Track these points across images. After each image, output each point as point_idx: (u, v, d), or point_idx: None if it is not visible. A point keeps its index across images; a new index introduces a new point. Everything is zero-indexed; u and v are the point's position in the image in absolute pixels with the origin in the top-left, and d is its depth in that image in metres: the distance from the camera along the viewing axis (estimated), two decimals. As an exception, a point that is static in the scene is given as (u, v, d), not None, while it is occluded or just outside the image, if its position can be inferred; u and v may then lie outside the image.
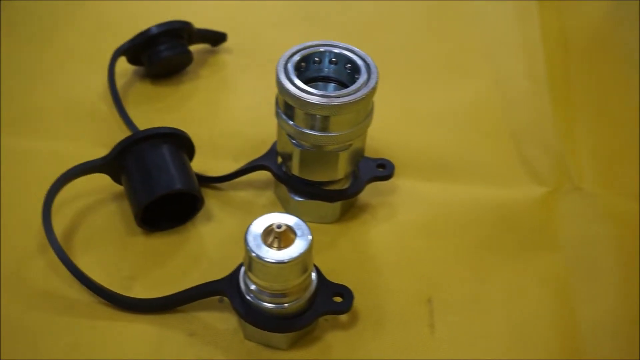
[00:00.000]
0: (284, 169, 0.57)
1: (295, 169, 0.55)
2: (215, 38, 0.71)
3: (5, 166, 0.60)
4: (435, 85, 0.70)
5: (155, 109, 0.66)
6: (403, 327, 0.52)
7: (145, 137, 0.55)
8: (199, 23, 0.69)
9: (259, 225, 0.47)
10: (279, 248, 0.46)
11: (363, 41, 0.72)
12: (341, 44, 0.53)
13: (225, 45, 0.72)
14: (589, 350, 0.51)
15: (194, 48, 0.69)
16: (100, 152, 0.60)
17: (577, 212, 0.59)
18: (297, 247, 0.46)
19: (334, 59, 0.53)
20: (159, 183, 0.54)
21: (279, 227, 0.46)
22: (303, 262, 0.46)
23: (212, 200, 0.59)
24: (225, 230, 0.57)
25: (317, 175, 0.55)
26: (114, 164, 0.55)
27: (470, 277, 0.55)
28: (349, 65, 0.53)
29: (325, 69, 0.54)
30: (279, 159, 0.58)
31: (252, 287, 0.48)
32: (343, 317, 0.52)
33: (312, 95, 0.50)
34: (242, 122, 0.66)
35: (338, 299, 0.50)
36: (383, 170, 0.58)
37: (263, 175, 0.59)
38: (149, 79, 0.68)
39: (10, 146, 0.61)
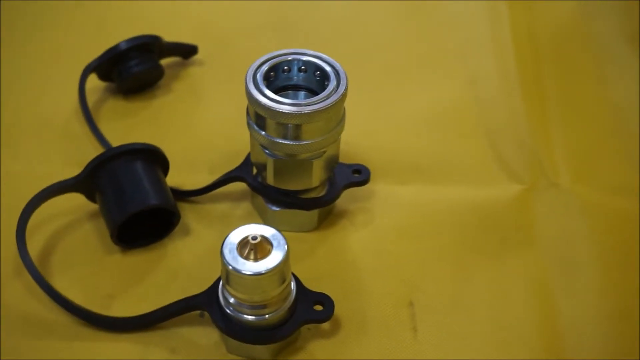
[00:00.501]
0: (259, 179, 0.57)
1: (270, 179, 0.54)
2: (186, 51, 0.70)
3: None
4: (408, 87, 0.70)
5: (128, 125, 0.66)
6: (386, 332, 0.51)
7: (117, 154, 0.54)
8: (169, 36, 0.69)
9: (234, 238, 0.46)
10: (256, 259, 0.46)
11: (335, 45, 0.73)
12: (309, 52, 0.53)
13: (196, 57, 0.71)
14: (571, 347, 0.51)
15: (165, 62, 0.69)
16: (73, 171, 0.59)
17: (554, 208, 0.59)
18: (273, 258, 0.45)
19: (302, 67, 0.53)
20: (133, 200, 0.53)
21: (254, 238, 0.46)
22: (280, 272, 0.46)
23: (189, 214, 0.58)
24: (203, 244, 0.57)
25: (292, 184, 0.55)
26: (87, 182, 0.55)
27: (451, 279, 0.55)
28: (318, 72, 0.53)
29: (295, 77, 0.54)
30: (254, 170, 0.58)
31: (231, 300, 0.48)
32: (325, 325, 0.51)
33: (282, 104, 0.50)
34: (215, 134, 0.65)
35: (319, 308, 0.50)
36: (359, 175, 0.58)
37: (239, 186, 0.59)
38: (120, 94, 0.68)
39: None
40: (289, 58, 0.53)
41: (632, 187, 0.61)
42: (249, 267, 0.45)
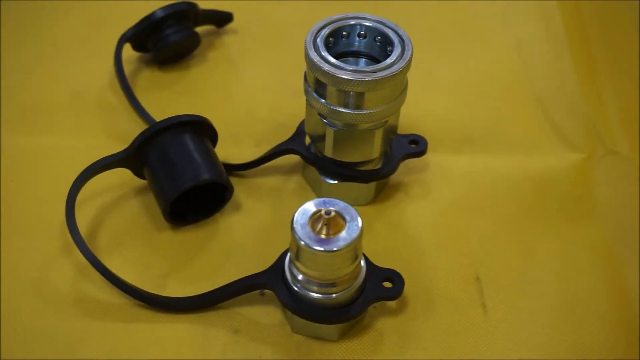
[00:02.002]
0: (312, 150, 0.55)
1: (328, 150, 0.52)
2: (221, 18, 0.67)
3: (16, 166, 0.56)
4: (453, 55, 0.68)
5: (165, 96, 0.63)
6: (455, 309, 0.50)
7: (166, 126, 0.51)
8: (202, 3, 0.66)
9: (305, 212, 0.44)
10: (328, 235, 0.43)
11: (374, 13, 0.70)
12: (371, 16, 0.50)
13: (230, 25, 0.69)
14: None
15: (198, 30, 0.66)
16: (113, 144, 0.57)
17: (614, 176, 0.57)
18: (348, 234, 0.43)
19: (362, 32, 0.51)
20: (185, 175, 0.51)
21: (327, 213, 0.43)
22: (354, 249, 0.44)
23: (238, 188, 0.56)
24: (256, 220, 0.54)
25: (351, 156, 0.52)
26: (136, 157, 0.52)
27: (514, 252, 0.53)
28: (379, 38, 0.50)
29: (355, 43, 0.51)
30: (307, 141, 0.55)
31: (300, 277, 0.46)
32: (392, 303, 0.49)
33: (346, 71, 0.47)
34: (258, 105, 0.63)
35: (388, 284, 0.48)
36: (416, 146, 0.56)
37: (289, 159, 0.57)
38: (155, 65, 0.65)
39: (18, 145, 0.58)
40: (351, 22, 0.50)
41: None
42: (323, 243, 0.43)
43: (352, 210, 0.44)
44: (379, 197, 0.56)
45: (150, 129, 0.51)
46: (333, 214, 0.43)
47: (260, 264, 0.49)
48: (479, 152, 0.59)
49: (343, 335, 0.48)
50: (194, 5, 0.63)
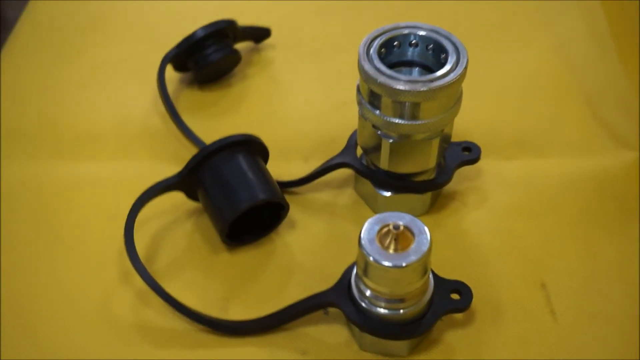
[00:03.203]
0: (365, 162, 0.54)
1: (383, 163, 0.51)
2: (259, 34, 0.67)
3: (70, 194, 0.56)
4: (495, 58, 0.67)
5: (209, 115, 0.62)
6: (524, 318, 0.49)
7: (219, 147, 0.51)
8: (239, 20, 0.65)
9: (372, 227, 0.43)
10: (397, 250, 0.43)
11: (411, 18, 0.69)
12: (424, 25, 0.50)
13: (268, 41, 0.68)
14: None
15: (237, 47, 0.65)
16: (162, 168, 0.57)
17: (675, 173, 0.56)
18: (417, 247, 0.42)
19: (414, 41, 0.50)
20: (242, 195, 0.50)
21: (396, 227, 0.43)
22: (424, 263, 0.43)
23: (291, 205, 0.54)
24: (312, 236, 0.54)
25: (407, 167, 0.51)
26: (190, 180, 0.51)
27: (578, 256, 0.52)
28: (432, 46, 0.50)
29: (408, 53, 0.50)
30: (358, 154, 0.54)
31: (368, 293, 0.45)
32: (459, 314, 0.48)
33: (401, 81, 0.46)
34: (303, 120, 0.62)
35: (456, 296, 0.47)
36: (469, 153, 0.55)
37: (340, 173, 0.56)
38: (196, 84, 0.64)
39: (69, 173, 0.57)
40: (405, 32, 0.49)
41: None
42: (393, 258, 0.42)
43: (419, 222, 0.43)
44: (434, 207, 0.55)
45: (203, 151, 0.51)
46: (402, 228, 0.43)
47: (321, 282, 0.49)
48: (532, 155, 0.58)
49: (412, 351, 0.47)
50: (233, 23, 0.63)
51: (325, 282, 0.48)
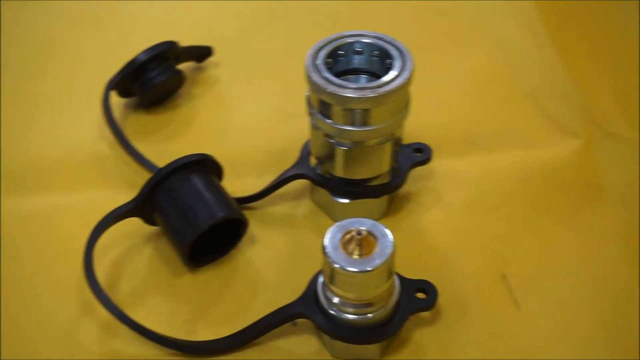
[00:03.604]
0: (320, 171, 0.54)
1: (339, 170, 0.52)
2: (201, 53, 0.67)
3: (24, 229, 0.55)
4: (438, 61, 0.68)
5: (158, 138, 0.62)
6: (488, 310, 0.49)
7: (173, 169, 0.51)
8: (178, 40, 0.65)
9: (335, 235, 0.44)
10: (362, 255, 0.43)
11: (349, 27, 0.70)
12: (368, 33, 0.50)
13: (210, 59, 0.68)
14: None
15: (180, 67, 0.65)
16: (117, 195, 0.56)
17: (618, 158, 0.58)
18: (381, 251, 0.43)
19: (359, 49, 0.51)
20: (200, 215, 0.50)
21: (359, 233, 0.43)
22: (389, 265, 0.43)
23: (250, 221, 0.55)
24: (274, 250, 0.54)
25: (362, 173, 0.52)
26: (146, 204, 0.51)
27: (536, 244, 0.53)
28: (377, 52, 0.50)
29: (354, 61, 0.51)
30: (312, 163, 0.55)
31: (336, 300, 0.45)
32: (426, 313, 0.49)
33: (350, 89, 0.47)
34: (253, 135, 0.62)
35: (421, 295, 0.48)
36: (420, 154, 0.55)
37: (295, 184, 0.56)
38: (142, 108, 0.64)
39: (20, 208, 0.56)
40: (349, 40, 0.50)
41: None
42: (359, 264, 0.42)
43: (380, 226, 0.44)
44: (390, 209, 0.56)
45: (157, 174, 0.50)
46: (364, 233, 0.43)
47: (288, 294, 0.49)
48: (482, 152, 0.60)
49: (384, 353, 0.47)
50: (174, 44, 0.62)
51: (291, 294, 0.49)
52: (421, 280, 0.48)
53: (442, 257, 0.53)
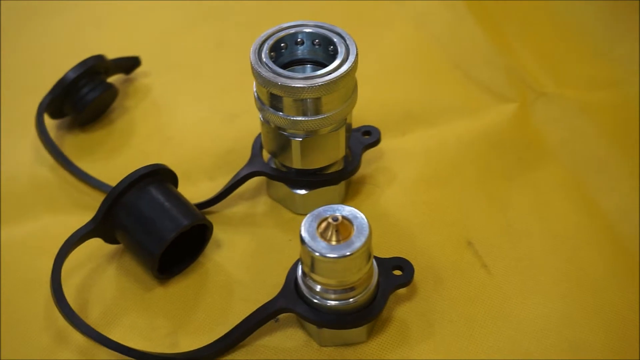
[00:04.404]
0: (273, 166, 0.54)
1: (296, 162, 0.52)
2: (129, 65, 0.65)
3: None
4: (364, 43, 0.65)
5: (100, 157, 0.60)
6: (461, 277, 0.51)
7: (129, 184, 0.49)
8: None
9: (310, 224, 0.44)
10: (340, 241, 0.43)
11: (273, 21, 0.70)
12: (308, 22, 0.51)
13: (138, 70, 0.66)
14: (629, 239, 0.52)
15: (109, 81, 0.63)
16: (68, 219, 0.55)
17: (553, 116, 0.61)
18: (359, 233, 0.43)
19: (299, 40, 0.51)
20: (165, 226, 0.49)
21: (335, 219, 0.43)
22: (368, 247, 0.44)
23: (212, 225, 0.54)
24: (241, 251, 0.53)
25: (319, 162, 0.52)
26: (106, 223, 0.50)
27: (493, 208, 0.55)
28: (317, 41, 0.51)
29: (298, 52, 0.51)
30: (266, 158, 0.55)
31: (318, 288, 0.45)
32: (402, 290, 0.50)
33: (299, 79, 0.47)
34: (196, 139, 0.61)
35: (398, 272, 0.48)
36: (370, 137, 0.56)
37: (250, 182, 0.56)
38: (76, 128, 0.62)
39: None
40: (291, 32, 0.50)
41: (607, 79, 0.64)
42: (339, 249, 0.43)
43: (354, 210, 0.44)
44: (348, 195, 0.56)
45: (115, 190, 0.49)
46: (340, 218, 0.43)
47: (263, 291, 0.49)
48: (424, 127, 0.61)
49: (370, 334, 0.48)
50: (102, 58, 0.61)
51: (267, 290, 0.49)
52: (395, 257, 0.49)
53: (408, 233, 0.54)
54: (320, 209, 0.45)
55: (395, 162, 0.58)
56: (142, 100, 0.65)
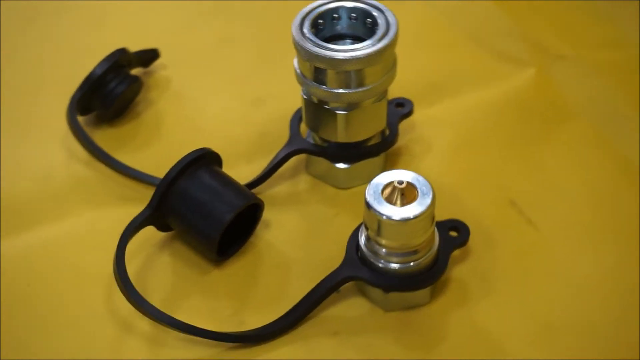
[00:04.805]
0: (311, 141, 0.55)
1: (341, 135, 0.53)
2: (148, 57, 0.65)
3: (27, 269, 0.52)
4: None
5: (133, 149, 0.60)
6: (509, 234, 0.52)
7: (182, 169, 0.50)
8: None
9: (375, 190, 0.45)
10: (405, 204, 0.44)
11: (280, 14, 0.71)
12: (344, -5, 0.52)
13: (156, 62, 0.66)
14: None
15: (130, 74, 0.63)
16: (111, 211, 0.55)
17: (573, 77, 0.63)
18: (423, 195, 0.44)
19: (340, 15, 0.52)
20: (221, 208, 0.49)
21: (400, 183, 0.44)
22: (433, 208, 0.45)
23: (260, 205, 0.55)
24: (289, 228, 0.54)
25: (363, 134, 0.53)
26: (159, 210, 0.50)
27: (529, 169, 0.57)
28: (354, 15, 0.52)
29: (337, 27, 0.52)
30: (304, 136, 0.56)
31: (384, 252, 0.46)
32: (455, 251, 0.51)
33: (345, 52, 0.48)
34: (226, 126, 0.61)
35: (453, 234, 0.50)
36: (403, 108, 0.57)
37: (286, 164, 0.56)
38: (104, 123, 0.61)
39: (9, 250, 0.53)
40: (331, 6, 0.51)
41: (619, 39, 0.66)
42: (407, 212, 0.44)
43: (413, 173, 0.46)
44: (387, 166, 0.57)
45: (167, 176, 0.49)
46: (405, 183, 0.44)
47: (319, 264, 0.50)
48: (449, 97, 0.62)
49: (432, 296, 0.49)
50: (124, 51, 0.61)
51: (322, 264, 0.50)
52: (450, 219, 0.50)
53: (451, 198, 0.55)
54: (381, 176, 0.46)
55: (428, 132, 0.59)
56: (165, 91, 0.65)
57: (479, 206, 0.54)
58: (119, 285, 0.47)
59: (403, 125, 0.59)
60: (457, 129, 0.60)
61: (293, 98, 0.59)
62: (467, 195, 0.55)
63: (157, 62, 0.66)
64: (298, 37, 0.49)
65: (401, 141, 0.58)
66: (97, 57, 0.60)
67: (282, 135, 0.58)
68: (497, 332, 0.47)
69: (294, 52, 0.51)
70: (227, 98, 0.64)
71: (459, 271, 0.50)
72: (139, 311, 0.46)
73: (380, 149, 0.55)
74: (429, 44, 0.68)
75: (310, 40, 0.49)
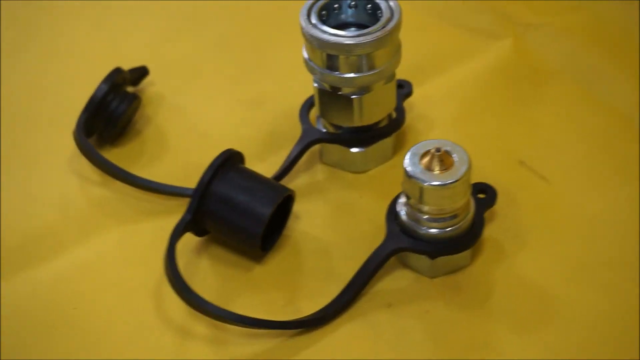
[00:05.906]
0: (324, 130, 0.57)
1: (357, 119, 0.55)
2: (138, 75, 0.65)
3: (71, 293, 0.52)
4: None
5: (143, 165, 0.59)
6: (526, 191, 0.55)
7: (214, 173, 0.50)
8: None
9: (413, 161, 0.47)
10: (444, 170, 0.47)
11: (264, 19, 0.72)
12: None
13: (144, 80, 0.66)
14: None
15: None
16: (139, 226, 0.56)
17: (547, 41, 0.67)
18: (460, 159, 0.47)
19: (336, 6, 0.54)
20: (259, 205, 0.50)
21: (438, 150, 0.47)
22: (470, 173, 0.47)
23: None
24: (319, 217, 0.55)
25: (376, 116, 0.55)
26: (197, 214, 0.50)
27: (527, 129, 0.60)
28: (353, 3, 0.54)
29: (341, 16, 0.54)
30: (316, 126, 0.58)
31: (426, 219, 0.48)
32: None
33: (354, 37, 0.51)
34: (232, 130, 0.62)
35: (482, 196, 0.52)
36: (403, 89, 0.60)
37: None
38: (106, 144, 0.61)
39: (44, 277, 0.53)
40: (329, -3, 0.53)
41: (577, 4, 0.70)
42: (448, 177, 0.46)
43: (446, 141, 0.48)
44: (397, 147, 0.59)
45: (203, 180, 0.50)
46: (442, 150, 0.47)
47: (356, 246, 0.52)
48: (436, 75, 0.65)
49: (473, 257, 0.51)
50: (120, 70, 0.61)
51: (359, 244, 0.52)
52: (478, 183, 0.52)
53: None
54: (414, 147, 0.48)
55: (426, 110, 0.62)
56: (160, 106, 0.65)
57: (492, 170, 0.57)
58: (176, 291, 0.47)
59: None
60: (452, 103, 0.63)
61: (291, 95, 0.61)
62: (477, 162, 0.56)
63: (144, 80, 0.67)
64: (307, 27, 0.51)
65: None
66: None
67: (288, 131, 0.59)
68: (538, 279, 0.50)
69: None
70: (224, 102, 0.65)
71: (491, 231, 0.53)
72: (202, 313, 0.47)
73: (394, 128, 0.57)
74: (402, 29, 0.70)
75: (320, 29, 0.51)
